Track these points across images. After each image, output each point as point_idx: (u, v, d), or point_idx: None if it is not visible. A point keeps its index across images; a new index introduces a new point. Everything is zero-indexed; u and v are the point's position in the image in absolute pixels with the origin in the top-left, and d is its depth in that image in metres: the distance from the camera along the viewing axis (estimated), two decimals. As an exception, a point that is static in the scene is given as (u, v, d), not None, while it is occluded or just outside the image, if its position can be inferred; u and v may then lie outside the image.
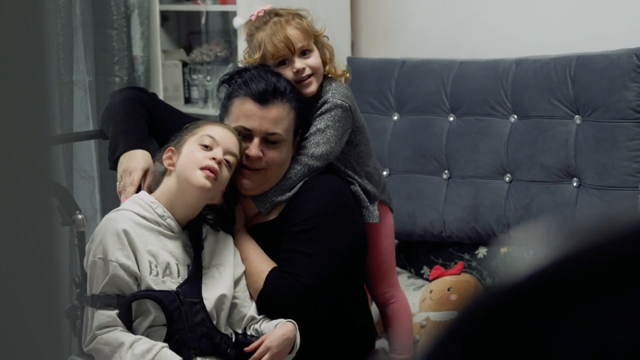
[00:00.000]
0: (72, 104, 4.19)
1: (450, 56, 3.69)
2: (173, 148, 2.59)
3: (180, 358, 2.46)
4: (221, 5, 4.23)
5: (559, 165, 3.31)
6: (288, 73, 2.79)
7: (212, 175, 2.54)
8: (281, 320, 2.66)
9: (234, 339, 2.67)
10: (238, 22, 3.93)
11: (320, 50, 2.86)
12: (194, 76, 4.40)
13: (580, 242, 0.72)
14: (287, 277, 2.72)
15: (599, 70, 3.24)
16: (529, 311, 0.72)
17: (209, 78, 4.35)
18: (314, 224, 2.75)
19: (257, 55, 2.83)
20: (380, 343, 3.15)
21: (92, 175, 4.31)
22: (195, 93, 4.42)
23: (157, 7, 4.33)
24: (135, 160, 2.74)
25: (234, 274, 2.68)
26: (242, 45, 3.96)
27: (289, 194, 2.78)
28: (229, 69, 4.27)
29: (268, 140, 2.72)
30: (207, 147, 2.56)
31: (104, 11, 4.29)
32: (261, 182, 2.76)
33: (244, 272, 2.73)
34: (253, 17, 2.89)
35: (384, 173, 3.61)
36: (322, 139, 2.79)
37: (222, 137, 2.59)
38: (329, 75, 2.89)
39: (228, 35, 4.35)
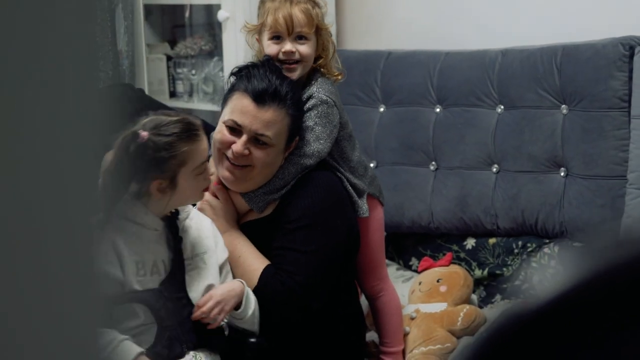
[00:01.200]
0: (57, 99, 4.17)
1: (436, 47, 3.68)
2: (161, 181, 2.47)
3: (140, 349, 2.45)
4: (205, -2, 4.22)
5: (546, 155, 3.31)
6: (277, 51, 2.79)
7: (207, 189, 2.63)
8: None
9: (227, 331, 2.67)
10: (223, 15, 3.92)
11: (318, 43, 2.85)
12: (179, 70, 4.39)
13: (602, 263, 0.71)
14: (281, 275, 2.71)
15: (585, 59, 3.24)
16: (551, 335, 0.71)
17: (193, 72, 4.34)
18: (308, 221, 2.75)
19: (258, 22, 2.85)
20: (370, 335, 3.15)
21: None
22: (180, 87, 4.41)
23: (140, 1, 4.31)
24: None
25: (217, 261, 2.67)
26: (226, 38, 3.96)
27: (281, 192, 2.77)
28: (213, 62, 4.26)
29: (257, 140, 2.70)
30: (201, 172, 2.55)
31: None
32: (243, 179, 2.74)
33: (227, 262, 2.72)
34: None
35: (371, 165, 3.61)
36: (311, 137, 2.79)
37: (205, 152, 2.54)
38: (322, 70, 2.88)
39: (212, 28, 4.34)
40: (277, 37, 2.80)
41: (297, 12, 2.79)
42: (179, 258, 2.58)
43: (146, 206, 2.53)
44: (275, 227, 2.77)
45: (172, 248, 2.57)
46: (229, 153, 2.71)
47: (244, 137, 2.69)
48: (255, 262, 2.75)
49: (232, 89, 2.76)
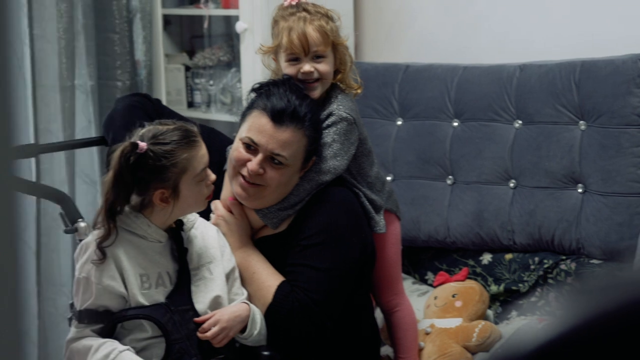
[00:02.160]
0: (74, 108, 4.18)
1: (454, 61, 3.68)
2: (164, 190, 2.48)
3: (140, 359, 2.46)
4: (224, 9, 4.22)
5: (564, 171, 3.30)
6: (295, 71, 2.78)
7: (211, 196, 2.61)
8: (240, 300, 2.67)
9: (238, 343, 2.66)
10: (241, 26, 3.92)
11: (336, 58, 2.84)
12: (197, 80, 4.39)
13: (594, 306, 0.70)
14: (296, 292, 2.70)
15: (603, 76, 3.23)
16: None
17: (211, 82, 4.34)
18: (324, 239, 2.73)
19: (274, 44, 2.84)
20: (385, 350, 3.14)
21: (94, 180, 4.30)
22: (198, 97, 4.41)
23: (159, 11, 4.32)
24: None
25: (224, 270, 2.66)
26: (244, 49, 3.96)
27: (296, 208, 2.76)
28: (231, 73, 4.26)
29: (272, 160, 2.69)
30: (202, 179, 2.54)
31: (106, 15, 4.28)
32: (256, 197, 2.73)
33: (235, 269, 2.71)
34: (285, 4, 2.86)
35: (388, 178, 3.60)
36: (329, 153, 2.78)
37: (206, 159, 2.54)
38: (340, 85, 2.87)
39: (231, 39, 4.34)
40: (294, 59, 2.79)
41: (312, 32, 2.77)
42: (185, 269, 2.58)
43: (149, 218, 2.53)
44: (290, 243, 2.76)
45: (177, 259, 2.57)
46: (244, 171, 2.70)
47: (260, 156, 2.68)
48: (270, 279, 2.73)
49: (251, 106, 2.74)
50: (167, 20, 4.43)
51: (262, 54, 2.90)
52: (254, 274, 2.74)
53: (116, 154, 2.46)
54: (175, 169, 2.47)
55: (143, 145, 2.45)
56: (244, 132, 2.72)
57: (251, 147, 2.69)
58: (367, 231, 2.86)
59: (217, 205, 2.81)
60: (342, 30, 2.92)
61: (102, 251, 2.48)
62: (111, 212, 2.48)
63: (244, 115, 2.77)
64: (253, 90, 2.80)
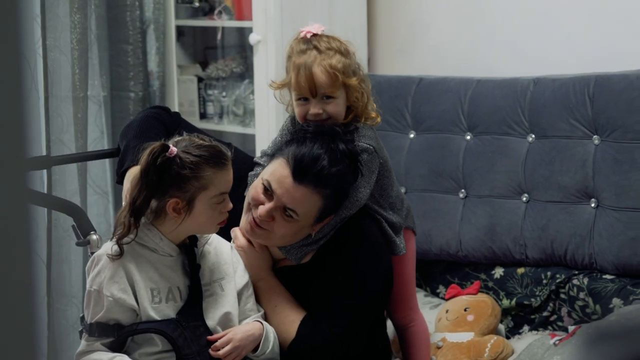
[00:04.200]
0: (87, 118, 4.18)
1: (468, 74, 3.67)
2: (179, 201, 2.47)
3: None
4: (237, 21, 4.22)
5: (577, 186, 3.28)
6: (304, 112, 2.73)
7: (224, 223, 2.57)
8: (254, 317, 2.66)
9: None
10: (254, 38, 3.92)
11: (349, 95, 2.76)
12: (210, 92, 4.39)
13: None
14: (320, 328, 2.68)
15: (618, 90, 3.22)
16: None
17: (224, 94, 4.34)
18: (349, 275, 2.71)
19: (285, 80, 2.79)
20: (396, 363, 3.14)
21: (106, 191, 4.30)
22: (210, 108, 4.41)
23: (172, 23, 4.33)
24: None
25: (235, 287, 2.65)
26: (257, 61, 3.95)
27: (320, 242, 2.74)
28: (244, 84, 4.26)
29: (284, 210, 2.63)
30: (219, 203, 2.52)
31: (119, 26, 4.29)
32: (261, 238, 2.71)
33: (248, 285, 2.70)
34: (301, 35, 2.79)
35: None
36: (353, 187, 2.73)
37: (229, 184, 2.52)
38: (363, 118, 2.80)
39: (244, 50, 4.34)
40: (303, 99, 2.74)
41: (319, 74, 2.70)
42: (197, 285, 2.57)
43: (159, 228, 2.53)
44: (314, 275, 2.74)
45: (188, 274, 2.57)
46: (256, 211, 2.67)
47: (272, 204, 2.63)
48: (292, 313, 2.71)
49: (281, 150, 2.67)
50: (180, 31, 4.44)
51: (273, 89, 2.84)
52: (276, 307, 2.72)
53: (146, 152, 2.47)
54: (196, 182, 2.47)
55: (173, 149, 2.46)
56: (267, 173, 2.66)
57: (268, 191, 2.64)
58: (388, 259, 2.83)
59: (237, 234, 2.78)
60: (358, 59, 2.84)
61: (121, 248, 2.48)
62: (134, 210, 2.48)
63: (277, 152, 2.71)
64: (296, 125, 2.77)
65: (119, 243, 2.49)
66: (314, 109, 2.72)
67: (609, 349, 0.71)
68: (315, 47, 2.73)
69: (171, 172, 2.46)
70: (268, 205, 2.63)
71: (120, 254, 2.48)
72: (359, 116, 2.80)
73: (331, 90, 2.71)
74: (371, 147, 2.77)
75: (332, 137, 2.65)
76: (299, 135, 2.69)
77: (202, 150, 2.49)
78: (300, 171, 2.59)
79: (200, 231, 2.58)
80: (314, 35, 2.77)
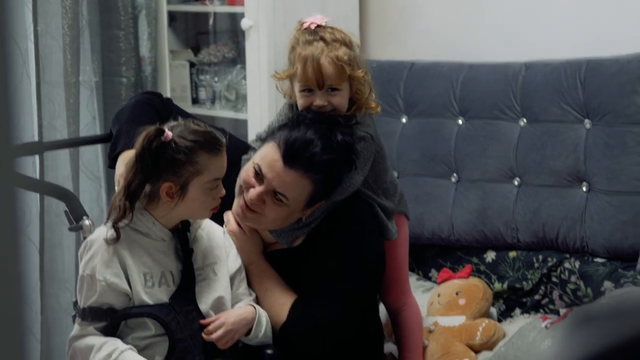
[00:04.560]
0: (79, 104, 4.18)
1: (460, 59, 3.67)
2: (173, 185, 2.48)
3: (142, 359, 2.46)
4: (229, 6, 4.22)
5: (569, 170, 3.29)
6: (309, 103, 2.72)
7: (217, 209, 2.57)
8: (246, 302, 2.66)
9: (241, 343, 2.67)
10: (246, 23, 3.92)
11: (353, 88, 2.75)
12: (202, 77, 4.39)
13: (601, 340, 0.70)
14: (311, 311, 2.68)
15: (609, 74, 3.23)
16: None
17: (216, 79, 4.34)
18: (340, 259, 2.71)
19: (288, 71, 2.76)
20: (388, 347, 3.14)
21: (98, 176, 4.30)
22: (202, 94, 4.41)
23: (164, 8, 4.32)
24: None
25: (228, 271, 2.66)
26: (249, 46, 3.95)
27: (311, 226, 2.74)
28: (236, 70, 4.26)
29: (275, 195, 2.63)
30: (213, 188, 2.51)
31: (111, 11, 4.28)
32: (252, 221, 2.71)
33: (241, 269, 2.70)
34: (304, 26, 2.76)
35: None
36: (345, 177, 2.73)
37: (222, 170, 2.52)
38: (363, 109, 2.79)
39: (236, 36, 4.34)
40: (308, 90, 2.72)
41: (327, 66, 2.67)
42: (189, 269, 2.57)
43: (153, 213, 2.53)
44: (305, 258, 2.74)
45: (181, 259, 2.57)
46: (247, 195, 2.67)
47: (262, 188, 2.63)
48: (283, 297, 2.72)
49: (273, 134, 2.67)
50: (172, 16, 4.43)
51: (276, 80, 2.82)
52: (267, 290, 2.72)
53: (141, 136, 2.47)
54: (190, 167, 2.47)
55: (168, 134, 2.47)
56: (257, 157, 2.66)
57: (259, 174, 2.64)
58: (380, 243, 2.84)
59: (229, 218, 2.78)
60: (361, 55, 2.83)
61: (117, 231, 2.49)
62: (129, 193, 2.48)
63: (268, 135, 2.71)
64: (291, 109, 2.77)
65: (115, 227, 2.50)
66: (319, 101, 2.70)
67: (595, 331, 0.72)
68: (322, 39, 2.71)
69: (166, 156, 2.46)
70: (258, 188, 2.63)
71: (117, 238, 2.49)
72: (360, 107, 2.79)
73: (338, 82, 2.69)
74: (368, 135, 2.77)
75: (329, 125, 2.64)
76: (295, 120, 2.69)
77: (197, 136, 2.49)
78: (291, 155, 2.59)
79: (193, 216, 2.58)
80: (319, 26, 2.75)
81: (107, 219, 2.53)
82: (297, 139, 2.60)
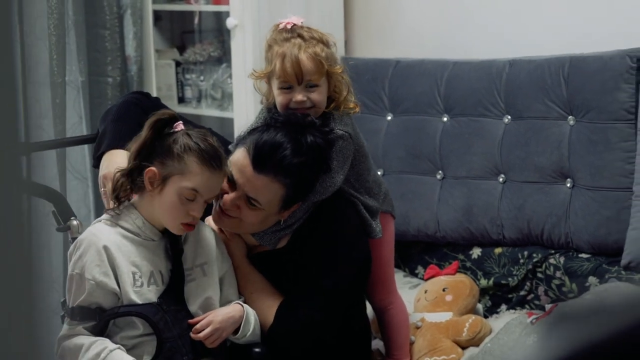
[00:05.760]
0: (65, 104, 4.18)
1: (444, 56, 3.69)
2: (156, 172, 2.50)
3: (131, 358, 2.47)
4: (214, 5, 4.23)
5: (553, 166, 3.31)
6: (288, 100, 2.72)
7: (189, 229, 2.55)
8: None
9: (229, 343, 2.68)
10: (231, 22, 3.93)
11: (330, 85, 2.77)
12: (187, 76, 4.40)
13: (578, 339, 0.72)
14: (297, 312, 2.69)
15: (592, 71, 3.24)
16: None
17: (202, 78, 4.35)
18: (325, 258, 2.72)
19: (266, 69, 2.76)
20: (375, 343, 3.16)
21: (85, 176, 4.31)
22: (188, 92, 4.42)
23: (150, 7, 4.33)
24: (116, 165, 2.67)
25: (218, 272, 2.66)
26: (235, 45, 3.96)
27: (293, 227, 2.75)
28: (222, 68, 4.27)
29: (248, 200, 2.63)
30: (189, 199, 2.50)
31: (96, 11, 4.28)
32: (230, 226, 2.71)
33: (231, 271, 2.71)
34: (280, 26, 2.77)
35: (378, 173, 3.62)
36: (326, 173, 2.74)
37: (207, 189, 2.50)
38: (342, 108, 2.79)
39: (221, 35, 4.34)
40: (287, 87, 2.73)
41: (306, 61, 2.69)
42: (179, 269, 2.58)
43: (139, 208, 2.55)
44: (290, 260, 2.75)
45: (171, 259, 2.58)
46: (221, 201, 2.67)
47: (235, 194, 2.63)
48: (269, 299, 2.72)
49: (244, 139, 2.68)
50: (158, 15, 4.44)
51: (254, 79, 2.82)
52: (252, 294, 2.73)
53: (155, 116, 2.51)
54: (177, 163, 2.48)
55: (179, 124, 2.51)
56: (230, 164, 2.65)
57: (231, 180, 2.64)
58: (364, 242, 2.85)
59: (209, 223, 2.77)
60: (337, 53, 2.86)
61: (119, 200, 2.53)
62: (130, 170, 2.51)
63: (237, 144, 2.71)
64: (267, 112, 2.77)
65: (118, 198, 2.53)
66: (298, 96, 2.70)
67: (570, 331, 0.74)
68: (299, 35, 2.73)
69: (165, 142, 2.50)
70: (231, 194, 2.64)
71: (118, 206, 2.53)
72: (338, 106, 2.79)
73: (316, 77, 2.70)
74: (347, 134, 2.77)
75: (300, 127, 2.64)
76: (266, 123, 2.69)
77: (202, 143, 2.50)
78: (260, 160, 2.59)
79: (165, 220, 2.54)
80: (295, 25, 2.76)
81: (112, 194, 2.55)
82: (266, 142, 2.60)
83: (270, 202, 2.63)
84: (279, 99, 2.74)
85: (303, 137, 2.61)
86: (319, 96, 2.73)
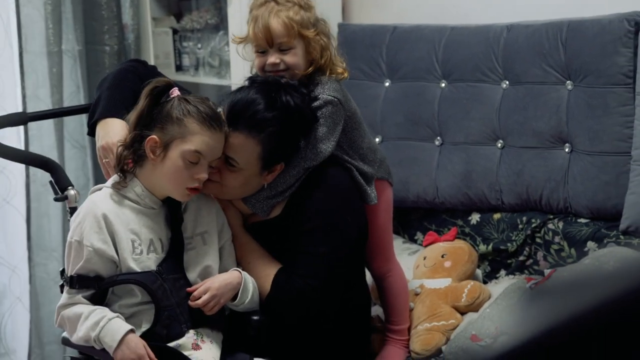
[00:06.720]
0: (62, 73, 4.17)
1: (442, 22, 3.67)
2: (157, 140, 2.50)
3: (130, 327, 2.47)
4: (210, -28, 4.21)
5: (551, 131, 3.31)
6: (263, 63, 2.76)
7: (195, 192, 2.56)
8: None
9: (228, 311, 2.68)
10: (228, -11, 3.91)
11: (308, 47, 2.78)
12: (185, 44, 4.38)
13: (553, 314, 0.71)
14: (294, 279, 2.69)
15: (590, 35, 3.23)
16: None
17: (199, 45, 4.33)
18: (319, 223, 2.72)
19: (245, 34, 2.82)
20: (375, 309, 3.17)
21: (83, 145, 4.30)
22: (186, 60, 4.40)
23: (146, -26, 4.30)
24: (114, 135, 2.69)
25: (218, 241, 2.67)
26: (232, 12, 3.94)
27: (286, 194, 2.74)
28: (219, 36, 4.25)
29: (227, 161, 2.64)
30: (193, 163, 2.52)
31: (92, -21, 4.26)
32: (214, 192, 2.70)
33: (230, 241, 2.71)
34: None
35: (377, 140, 3.61)
36: (315, 139, 2.74)
37: (209, 150, 2.52)
38: (328, 73, 2.81)
39: (218, 2, 4.32)
40: (261, 51, 2.77)
41: (275, 24, 2.73)
42: (179, 238, 2.59)
43: (140, 177, 2.55)
44: (285, 228, 2.74)
45: (171, 227, 2.58)
46: None
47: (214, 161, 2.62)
48: (266, 268, 2.72)
49: (223, 100, 2.69)
50: (154, -17, 4.42)
51: (236, 44, 2.87)
52: (249, 263, 2.73)
53: (151, 84, 2.52)
54: (178, 128, 2.49)
55: (175, 90, 2.52)
56: None
57: None
58: (360, 208, 2.85)
59: None
60: (326, 10, 2.87)
61: (124, 172, 2.55)
62: (133, 140, 2.52)
63: (219, 104, 2.71)
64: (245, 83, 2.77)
65: (123, 170, 2.54)
66: (271, 59, 2.75)
67: (546, 306, 0.73)
68: (275, 0, 2.77)
69: (163, 109, 2.51)
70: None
71: (123, 177, 2.54)
72: (324, 70, 2.81)
73: (287, 40, 2.74)
74: (335, 99, 2.77)
75: (276, 86, 2.67)
76: (243, 85, 2.72)
77: (200, 106, 2.51)
78: (234, 116, 2.62)
79: (170, 188, 2.55)
80: None
81: (116, 165, 2.56)
82: (239, 100, 2.63)
83: (248, 160, 2.64)
84: (256, 62, 2.79)
85: (277, 95, 2.64)
86: (292, 58, 2.76)
